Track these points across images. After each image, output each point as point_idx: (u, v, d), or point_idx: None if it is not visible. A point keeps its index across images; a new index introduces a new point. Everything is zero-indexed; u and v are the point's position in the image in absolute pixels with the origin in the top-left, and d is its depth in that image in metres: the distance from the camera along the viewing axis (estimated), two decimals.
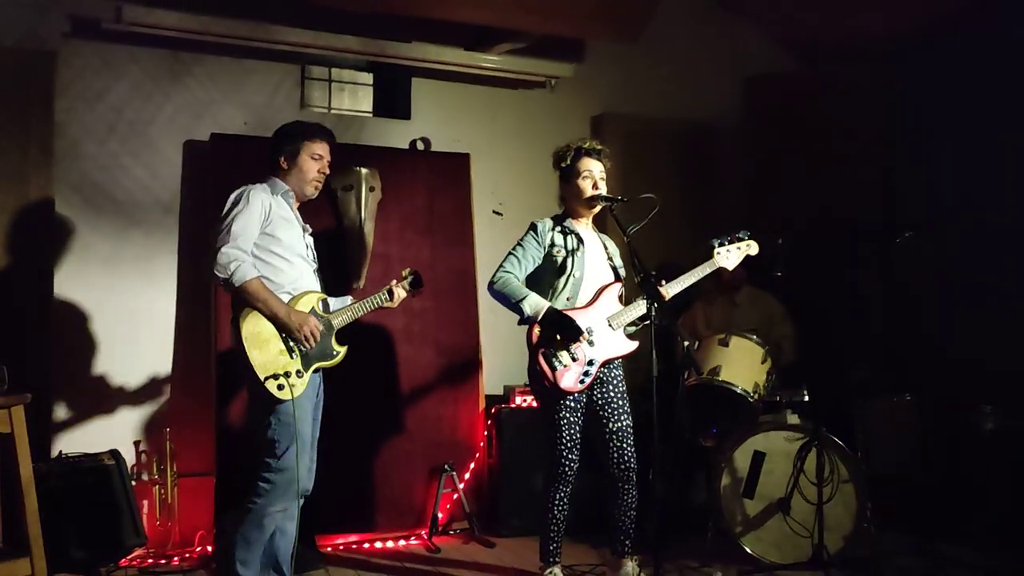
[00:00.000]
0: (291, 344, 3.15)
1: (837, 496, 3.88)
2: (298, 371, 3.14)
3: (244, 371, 3.12)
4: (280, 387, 3.08)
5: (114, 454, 4.05)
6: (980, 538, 4.27)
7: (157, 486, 4.23)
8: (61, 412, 4.23)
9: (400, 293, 3.56)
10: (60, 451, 4.03)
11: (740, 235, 3.73)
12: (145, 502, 4.22)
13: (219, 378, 4.29)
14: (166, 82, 4.53)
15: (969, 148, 5.07)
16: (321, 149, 3.35)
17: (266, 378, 3.07)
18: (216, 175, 4.42)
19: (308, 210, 4.54)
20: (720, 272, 3.73)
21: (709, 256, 3.68)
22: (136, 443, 4.34)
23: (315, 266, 3.40)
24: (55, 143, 4.26)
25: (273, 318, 3.12)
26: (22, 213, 4.16)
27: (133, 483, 4.12)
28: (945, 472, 4.43)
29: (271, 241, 3.19)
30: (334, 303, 3.47)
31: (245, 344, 3.08)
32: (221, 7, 4.46)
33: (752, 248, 3.74)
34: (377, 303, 3.50)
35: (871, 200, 5.44)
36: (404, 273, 3.63)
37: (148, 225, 4.47)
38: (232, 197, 3.21)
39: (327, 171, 3.39)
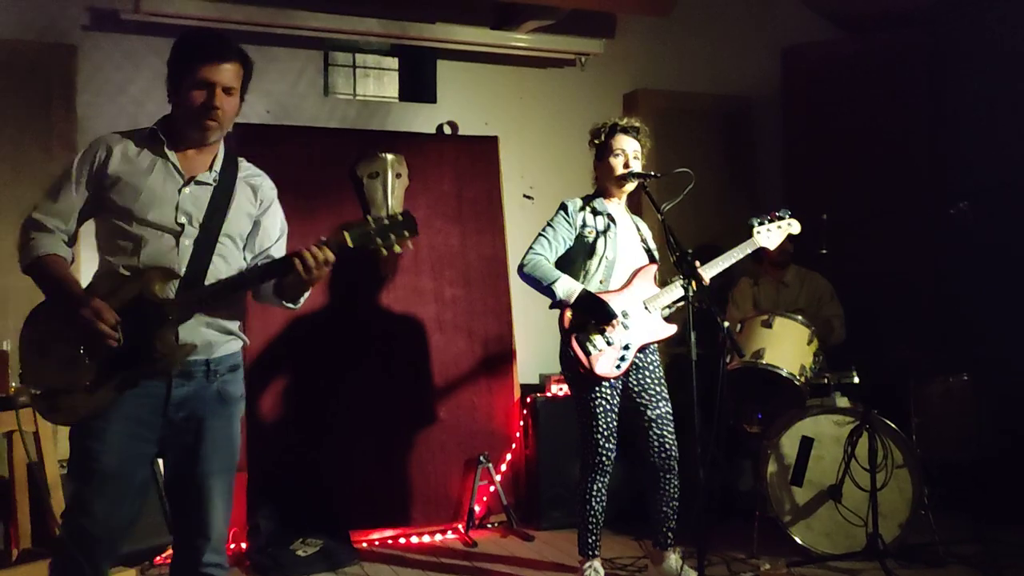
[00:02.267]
0: (85, 346, 2.24)
1: (891, 482, 3.70)
2: (88, 384, 2.23)
3: None
4: (50, 408, 2.25)
5: None
6: None
7: None
8: None
9: (318, 256, 2.33)
10: None
11: (780, 213, 3.57)
12: None
13: (248, 372, 4.20)
14: None
15: (1022, 116, 4.82)
16: (211, 73, 2.31)
17: (33, 396, 2.28)
18: None
19: (332, 200, 4.52)
20: (763, 251, 3.57)
21: (748, 235, 3.52)
22: None
23: (192, 229, 2.34)
24: (77, 138, 4.21)
25: (63, 314, 2.25)
26: None
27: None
28: (1005, 454, 4.21)
29: (109, 207, 2.31)
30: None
31: (20, 351, 2.28)
32: None
33: (794, 227, 3.58)
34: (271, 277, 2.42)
35: (918, 171, 5.23)
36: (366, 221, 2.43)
37: None
38: None
39: (221, 104, 2.34)
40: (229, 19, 4.36)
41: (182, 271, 2.32)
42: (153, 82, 4.38)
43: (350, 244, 2.37)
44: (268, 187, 2.59)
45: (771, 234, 3.54)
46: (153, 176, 2.35)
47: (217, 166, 2.45)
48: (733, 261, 3.49)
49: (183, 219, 2.35)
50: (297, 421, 4.26)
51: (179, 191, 2.36)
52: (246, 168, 2.55)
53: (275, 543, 3.89)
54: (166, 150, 2.39)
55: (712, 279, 3.38)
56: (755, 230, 3.53)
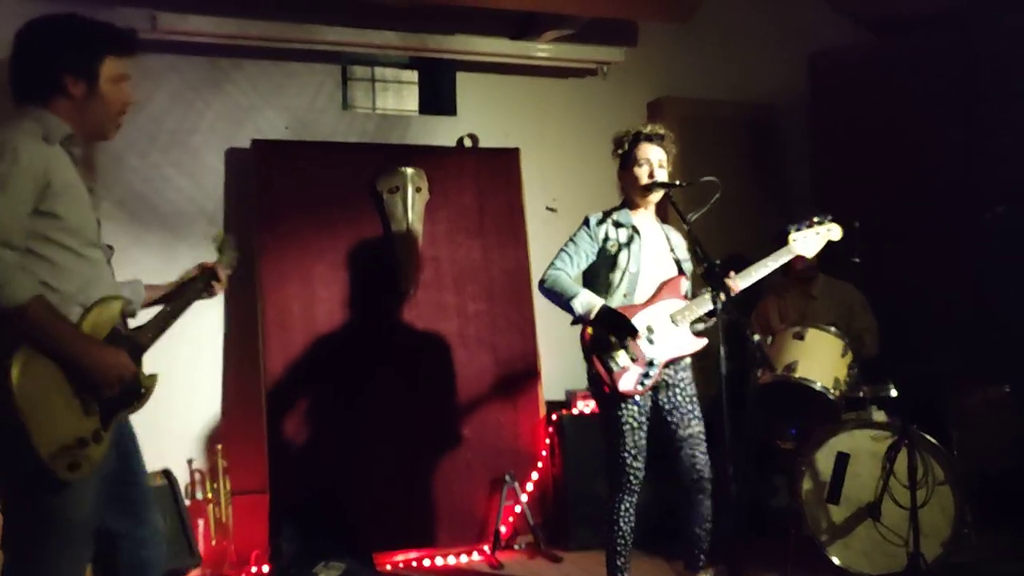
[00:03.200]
0: (84, 394, 2.03)
1: (933, 499, 3.56)
2: (96, 432, 2.04)
3: (7, 453, 1.95)
4: (74, 466, 1.98)
5: (166, 473, 4.01)
6: None
7: (211, 505, 4.14)
8: None
9: (224, 278, 2.50)
10: None
11: (819, 218, 3.43)
12: (200, 521, 4.13)
13: (269, 393, 4.17)
14: (206, 89, 4.44)
15: None
16: (127, 67, 2.18)
17: (53, 457, 1.95)
18: (259, 182, 4.34)
19: (352, 216, 4.48)
20: (792, 262, 3.45)
21: (783, 243, 3.39)
22: (189, 462, 4.25)
23: (109, 252, 2.21)
24: (97, 157, 4.20)
25: (65, 358, 1.97)
26: None
27: (187, 503, 4.05)
28: None
29: (50, 224, 1.99)
30: (132, 293, 2.39)
31: (23, 413, 1.89)
32: (257, 9, 4.36)
33: (834, 232, 3.45)
34: (192, 301, 2.43)
35: (952, 175, 5.09)
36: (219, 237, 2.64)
37: (194, 237, 4.37)
38: None
39: (132, 100, 2.22)
40: (247, 35, 4.34)
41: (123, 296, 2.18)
42: (173, 100, 4.39)
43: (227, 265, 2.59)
44: None
45: (808, 241, 3.42)
46: (81, 186, 2.08)
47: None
48: (768, 271, 3.37)
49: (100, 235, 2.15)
50: (319, 442, 4.21)
51: (90, 200, 2.13)
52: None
53: (297, 565, 3.83)
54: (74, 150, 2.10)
55: (737, 294, 3.26)
56: (791, 236, 3.40)
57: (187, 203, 4.40)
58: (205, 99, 4.43)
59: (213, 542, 4.10)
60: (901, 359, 4.05)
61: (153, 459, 3.96)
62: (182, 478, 4.14)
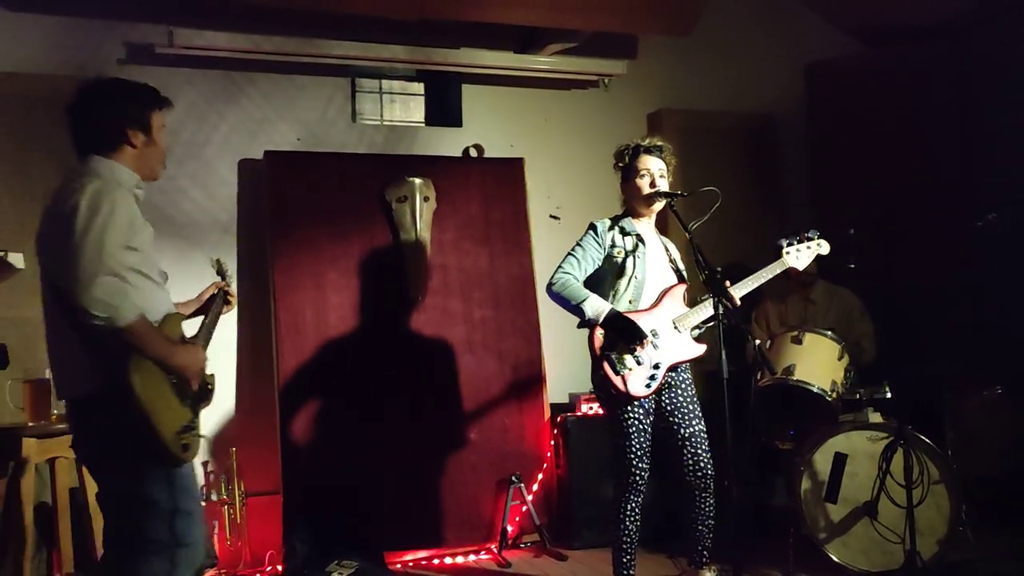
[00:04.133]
0: (179, 389, 2.40)
1: (928, 498, 3.65)
2: (192, 421, 2.45)
3: (132, 440, 2.30)
4: (186, 447, 2.39)
5: None
6: None
7: (226, 506, 4.23)
8: None
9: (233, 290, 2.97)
10: None
11: (809, 234, 3.59)
12: (215, 523, 4.22)
13: (282, 396, 4.28)
14: (220, 102, 4.56)
15: None
16: (165, 119, 2.58)
17: (171, 442, 2.33)
18: (271, 193, 4.45)
19: (363, 225, 4.58)
20: (790, 270, 3.58)
21: (777, 256, 3.53)
22: (204, 464, 4.35)
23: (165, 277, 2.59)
24: None
25: (163, 362, 2.34)
26: None
27: (203, 503, 4.13)
28: None
29: (134, 256, 2.35)
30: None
31: (147, 406, 2.27)
32: (270, 25, 4.48)
33: (823, 248, 3.60)
34: (220, 311, 2.85)
35: (947, 183, 5.20)
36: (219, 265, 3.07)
37: (208, 246, 4.47)
38: (83, 200, 2.25)
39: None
40: (259, 49, 4.46)
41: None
42: (187, 113, 4.50)
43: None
44: None
45: (800, 255, 3.55)
46: (147, 224, 2.45)
47: None
48: (762, 281, 3.49)
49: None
50: (330, 444, 4.30)
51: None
52: None
53: (311, 565, 3.92)
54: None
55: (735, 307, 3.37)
56: (784, 251, 3.54)
57: (201, 213, 4.50)
58: (219, 112, 4.54)
59: (228, 543, 4.20)
60: (897, 362, 4.15)
61: None
62: (197, 480, 4.22)
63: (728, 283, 3.28)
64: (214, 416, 4.43)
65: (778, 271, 3.53)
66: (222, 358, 4.45)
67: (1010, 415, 4.30)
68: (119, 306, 2.21)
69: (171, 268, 4.30)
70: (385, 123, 5.03)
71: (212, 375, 2.60)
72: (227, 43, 4.40)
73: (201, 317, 2.81)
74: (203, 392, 2.54)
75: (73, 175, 2.37)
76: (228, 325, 4.47)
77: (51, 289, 2.34)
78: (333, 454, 4.28)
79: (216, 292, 2.90)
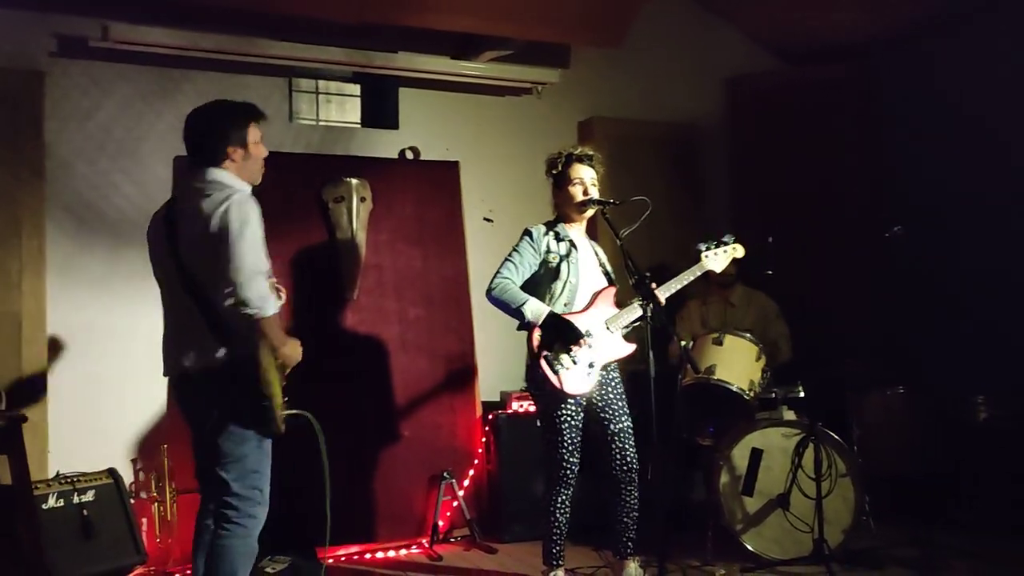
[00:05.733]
0: (283, 373, 2.89)
1: (836, 490, 3.89)
2: (285, 402, 2.91)
3: (249, 407, 2.79)
4: (285, 419, 2.90)
5: (112, 472, 4.06)
6: (976, 527, 4.32)
7: (156, 503, 4.22)
8: (57, 432, 4.21)
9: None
10: (57, 471, 4.02)
11: (725, 239, 3.81)
12: (144, 520, 4.20)
13: None
14: (155, 99, 4.53)
15: (953, 143, 5.13)
16: (262, 130, 2.99)
17: (281, 410, 2.85)
18: None
19: (299, 224, 4.61)
20: (709, 272, 3.78)
21: (697, 260, 3.73)
22: (133, 461, 4.34)
23: None
24: (46, 164, 4.26)
25: (277, 349, 2.80)
26: (14, 235, 4.15)
27: (132, 501, 4.12)
28: (939, 462, 4.47)
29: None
30: None
31: (270, 380, 2.78)
32: (208, 22, 4.47)
33: (738, 251, 3.81)
34: None
35: (857, 195, 5.51)
36: None
37: (140, 243, 4.29)
38: (233, 212, 2.70)
39: (267, 152, 3.02)
40: (198, 47, 4.45)
41: None
42: (121, 109, 4.46)
43: None
44: None
45: (718, 258, 3.77)
46: None
47: None
48: (684, 283, 3.69)
49: None
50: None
51: None
52: None
53: None
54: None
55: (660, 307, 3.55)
56: (703, 255, 3.75)
57: (135, 211, 4.45)
58: (155, 109, 4.52)
59: (158, 539, 4.18)
60: (809, 363, 4.41)
61: (98, 458, 4.11)
62: (127, 477, 4.22)
63: (655, 285, 3.46)
64: (145, 413, 4.41)
65: (698, 273, 3.72)
66: (151, 354, 4.40)
67: (910, 414, 4.60)
68: (268, 300, 2.69)
69: (102, 265, 4.36)
70: (321, 123, 5.07)
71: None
72: (164, 39, 4.38)
73: None
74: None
75: (200, 183, 2.79)
76: (159, 324, 4.44)
77: (186, 280, 2.76)
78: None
79: None
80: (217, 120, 2.88)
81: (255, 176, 2.96)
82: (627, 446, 3.54)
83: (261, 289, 2.68)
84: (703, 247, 3.76)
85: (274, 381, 2.79)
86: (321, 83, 5.10)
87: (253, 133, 2.90)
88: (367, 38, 4.86)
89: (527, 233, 3.61)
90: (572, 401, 3.47)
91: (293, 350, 2.88)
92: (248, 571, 2.91)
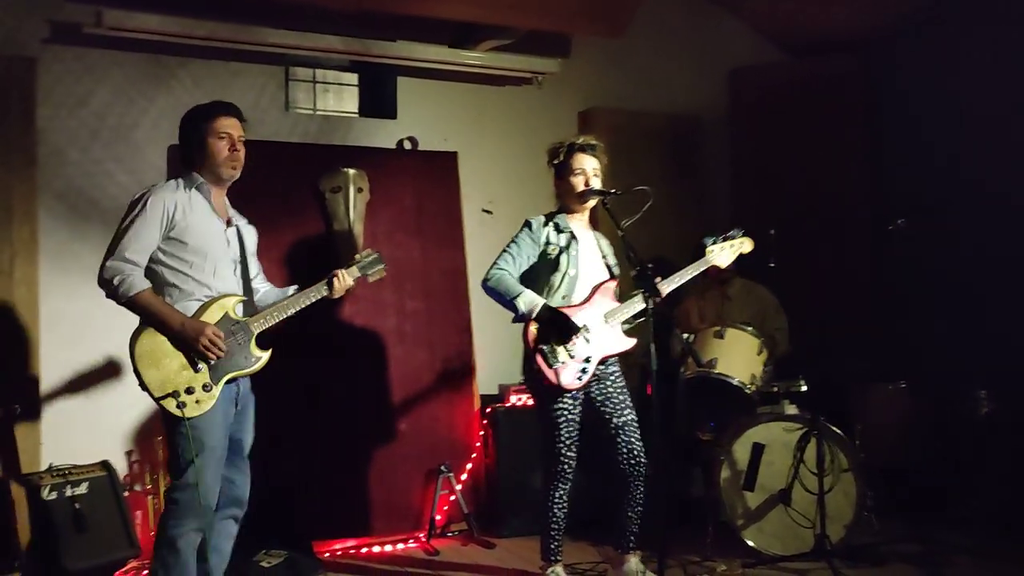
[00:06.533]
0: (194, 357, 2.90)
1: (837, 485, 3.87)
2: (205, 385, 2.90)
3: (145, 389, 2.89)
4: (180, 405, 2.86)
5: (105, 465, 4.02)
6: (977, 522, 4.28)
7: (150, 496, 4.18)
8: (50, 423, 4.16)
9: (347, 281, 3.21)
10: (50, 463, 3.97)
11: (732, 233, 3.75)
12: (139, 512, 4.16)
13: None
14: (149, 86, 4.47)
15: (956, 136, 5.08)
16: (226, 125, 3.04)
17: (163, 397, 2.85)
18: None
19: (295, 214, 4.56)
20: (708, 268, 3.73)
21: (701, 254, 3.67)
22: (128, 453, 4.28)
23: (239, 264, 3.11)
24: (38, 151, 4.20)
25: (167, 332, 2.87)
26: (5, 223, 4.10)
27: (126, 494, 4.08)
28: (942, 457, 4.44)
29: (178, 246, 2.94)
30: (271, 296, 3.24)
31: (137, 363, 2.86)
32: (203, 9, 4.40)
33: (746, 246, 3.77)
34: (314, 297, 3.17)
35: (859, 188, 5.47)
36: (357, 256, 3.33)
37: None
38: (131, 202, 2.97)
39: (241, 147, 3.08)
40: (192, 34, 4.38)
41: (244, 296, 3.05)
42: (115, 95, 4.40)
43: (358, 273, 3.27)
44: (254, 228, 3.30)
45: (723, 252, 3.71)
46: (209, 220, 3.00)
47: (231, 212, 3.15)
48: (688, 278, 3.63)
49: (233, 254, 3.06)
50: (259, 433, 4.26)
51: (224, 232, 3.05)
52: (238, 214, 3.22)
53: (239, 555, 3.86)
54: (210, 197, 3.03)
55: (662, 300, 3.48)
56: (708, 249, 3.69)
57: (128, 198, 4.24)
58: (149, 96, 4.45)
59: (152, 532, 4.13)
60: (811, 357, 4.37)
61: (93, 451, 4.06)
62: (121, 470, 4.17)
63: (659, 278, 3.40)
64: (139, 406, 4.34)
65: (703, 268, 3.68)
66: None
67: (912, 408, 4.57)
68: (118, 286, 2.87)
69: (96, 253, 4.23)
70: (319, 113, 5.00)
71: (262, 354, 3.04)
72: (158, 26, 4.30)
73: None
74: (237, 361, 2.96)
75: None
76: None
77: None
78: (261, 444, 4.24)
79: (327, 278, 3.21)
80: (181, 124, 3.09)
81: (218, 173, 3.04)
82: (633, 439, 3.49)
83: (114, 270, 2.85)
84: (709, 240, 3.70)
85: (155, 364, 2.85)
86: (318, 72, 5.03)
87: (212, 129, 3.02)
88: (365, 26, 4.80)
89: (526, 224, 3.57)
90: (569, 395, 3.42)
91: (185, 329, 2.87)
92: (167, 558, 2.91)
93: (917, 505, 4.37)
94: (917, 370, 4.66)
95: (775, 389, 4.19)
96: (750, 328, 4.18)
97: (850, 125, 5.55)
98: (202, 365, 2.90)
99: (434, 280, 4.82)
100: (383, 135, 5.00)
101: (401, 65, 4.99)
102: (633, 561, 3.57)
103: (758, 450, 4.02)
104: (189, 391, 2.87)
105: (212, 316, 2.95)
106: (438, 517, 4.52)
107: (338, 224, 4.56)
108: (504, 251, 3.53)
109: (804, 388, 4.19)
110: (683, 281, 3.62)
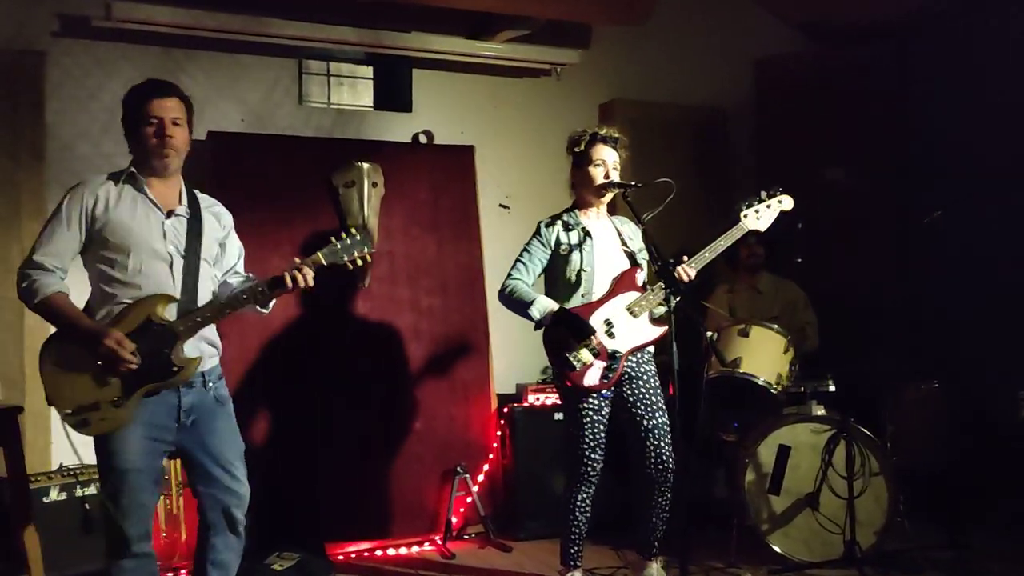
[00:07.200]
0: (102, 367, 2.56)
1: (868, 490, 3.74)
2: (115, 400, 2.55)
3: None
4: (81, 423, 2.56)
5: None
6: (1015, 528, 4.14)
7: (162, 497, 4.11)
8: (59, 423, 4.08)
9: (305, 278, 2.72)
10: (60, 463, 3.93)
11: (768, 192, 3.46)
12: None
13: None
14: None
15: (987, 126, 4.91)
16: (156, 109, 2.67)
17: (65, 415, 2.57)
18: (214, 174, 4.30)
19: (309, 210, 4.48)
20: (739, 252, 3.56)
21: (736, 222, 3.45)
22: None
23: (182, 258, 2.70)
24: (47, 145, 4.15)
25: (74, 341, 2.58)
26: (14, 218, 4.04)
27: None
28: (977, 460, 4.28)
29: (102, 244, 2.63)
30: (216, 293, 2.80)
31: (42, 376, 2.59)
32: (213, 1, 4.32)
33: (786, 203, 3.46)
34: (260, 297, 2.72)
35: (890, 180, 5.30)
36: (333, 240, 2.82)
37: None
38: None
39: (171, 132, 2.68)
40: (202, 26, 4.31)
41: (178, 295, 2.66)
42: (125, 89, 4.30)
43: (323, 263, 2.77)
44: (227, 214, 2.91)
45: (760, 216, 3.44)
46: (139, 212, 2.67)
47: (184, 200, 2.76)
48: (721, 250, 3.41)
49: (171, 249, 2.68)
50: (272, 434, 4.21)
51: (162, 224, 2.68)
52: (206, 199, 2.85)
53: (251, 557, 3.78)
54: (145, 187, 2.70)
55: (690, 281, 3.33)
56: (742, 213, 3.43)
57: None
58: None
59: (164, 534, 4.08)
60: (839, 356, 4.23)
61: None
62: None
63: (685, 258, 3.27)
64: None
65: (737, 236, 3.43)
66: None
67: (945, 409, 4.41)
68: (26, 286, 2.64)
69: None
70: (332, 106, 4.91)
71: (193, 359, 2.66)
72: (168, 18, 4.24)
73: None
74: (157, 371, 2.59)
75: None
76: None
77: None
78: (275, 444, 4.19)
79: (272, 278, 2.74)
80: (124, 101, 2.81)
81: (148, 162, 2.72)
82: (663, 444, 3.37)
83: (21, 276, 2.63)
84: (743, 205, 3.47)
85: (62, 376, 2.57)
86: (332, 65, 4.94)
87: (143, 114, 2.70)
88: (379, 17, 4.71)
89: (536, 230, 3.50)
90: (595, 396, 3.31)
91: (90, 338, 2.55)
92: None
93: (952, 510, 4.20)
94: (951, 368, 4.48)
95: (802, 389, 4.05)
96: (776, 326, 4.04)
97: (881, 116, 5.38)
98: (113, 378, 2.56)
99: (450, 276, 4.72)
100: (398, 129, 4.91)
101: (417, 57, 4.90)
102: (654, 567, 3.47)
103: (784, 452, 3.90)
104: (95, 407, 2.54)
105: (133, 320, 2.59)
106: (454, 519, 4.42)
107: (352, 219, 4.47)
108: (517, 260, 3.46)
109: (832, 388, 4.06)
110: (715, 255, 3.39)
